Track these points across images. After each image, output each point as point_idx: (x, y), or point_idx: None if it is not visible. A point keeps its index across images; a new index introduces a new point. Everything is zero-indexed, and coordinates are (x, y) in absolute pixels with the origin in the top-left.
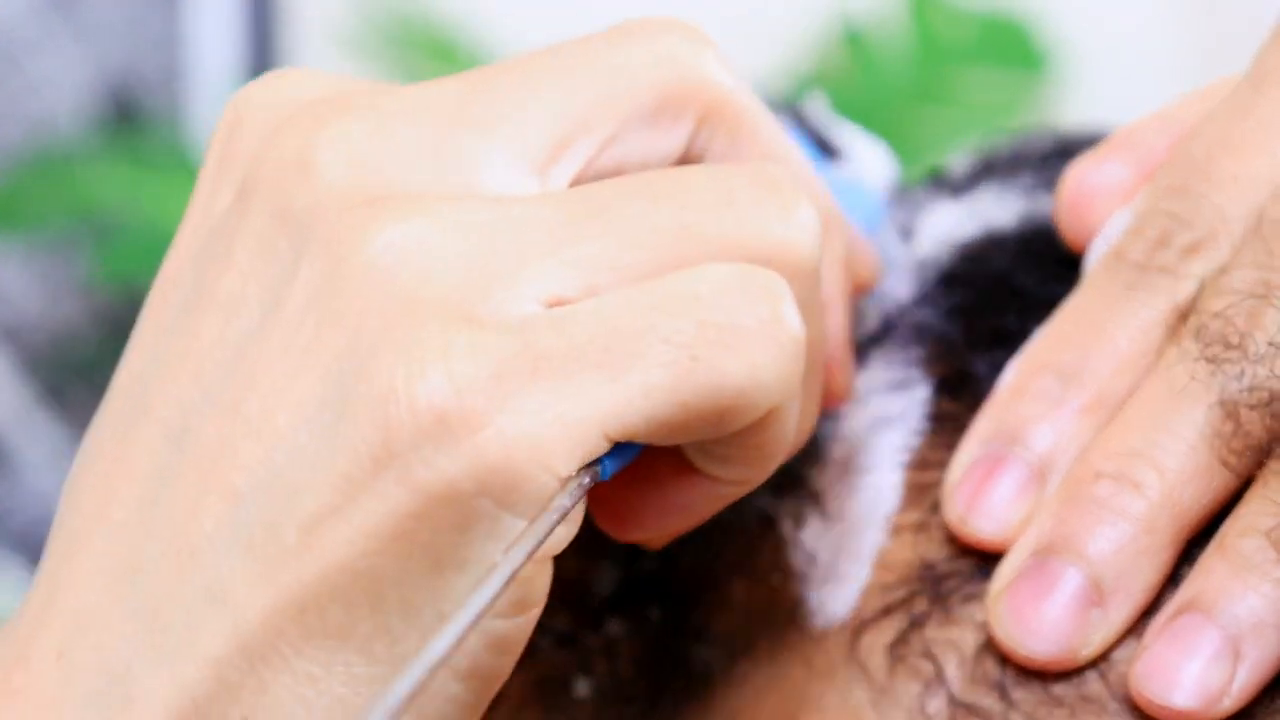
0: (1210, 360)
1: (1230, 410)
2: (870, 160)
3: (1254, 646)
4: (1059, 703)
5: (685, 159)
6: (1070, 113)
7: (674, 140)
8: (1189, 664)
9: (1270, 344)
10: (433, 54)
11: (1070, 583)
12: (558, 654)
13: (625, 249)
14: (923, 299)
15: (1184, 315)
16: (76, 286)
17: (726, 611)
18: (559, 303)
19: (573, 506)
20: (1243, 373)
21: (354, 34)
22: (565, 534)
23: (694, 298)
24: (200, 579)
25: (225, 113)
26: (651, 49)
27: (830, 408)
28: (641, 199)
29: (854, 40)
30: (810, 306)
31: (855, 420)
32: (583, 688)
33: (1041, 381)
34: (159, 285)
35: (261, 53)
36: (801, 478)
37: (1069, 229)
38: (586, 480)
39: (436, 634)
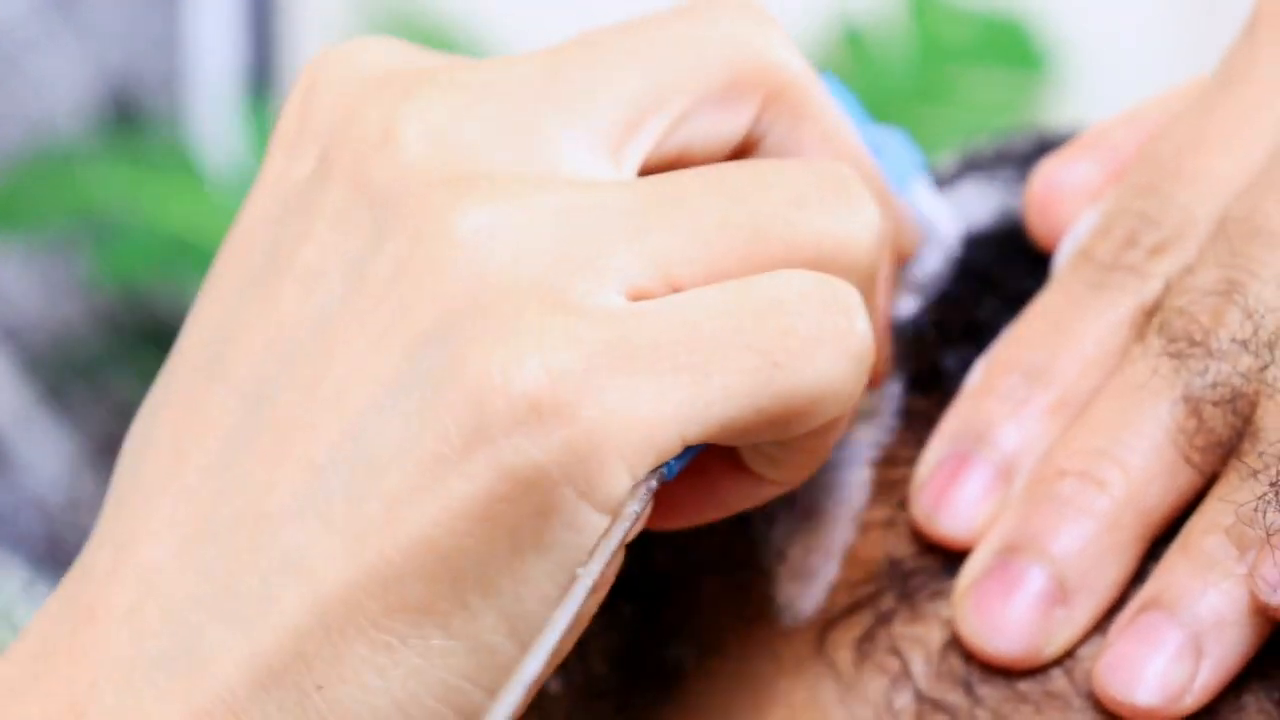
0: (1174, 356)
1: (1194, 407)
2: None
3: (1216, 644)
4: (1024, 699)
5: (747, 140)
6: (1070, 113)
7: (739, 121)
8: (1151, 662)
9: (1233, 340)
10: None
11: (1034, 581)
12: None
13: (700, 243)
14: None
15: (1150, 315)
16: (76, 286)
17: (698, 608)
18: (639, 295)
19: (644, 510)
20: (1206, 369)
21: (354, 34)
22: (636, 530)
23: (778, 304)
24: (276, 547)
25: (301, 78)
26: (722, 29)
27: (869, 390)
28: (716, 193)
29: (854, 40)
30: (868, 303)
31: None
32: (554, 683)
33: (1008, 381)
34: (230, 248)
35: (261, 53)
36: None
37: (1038, 228)
38: (654, 483)
39: (527, 654)
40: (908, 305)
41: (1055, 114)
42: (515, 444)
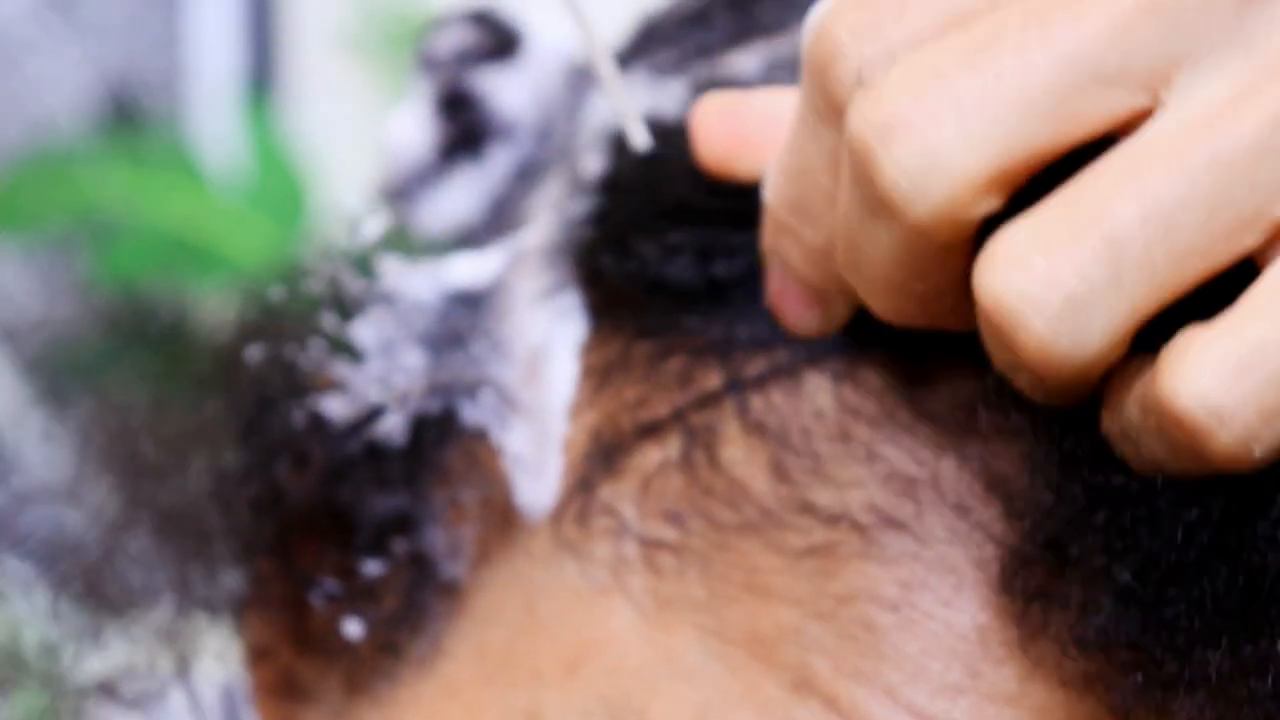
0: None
1: None
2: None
3: None
4: (725, 528)
5: None
6: None
7: None
8: None
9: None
10: None
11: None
12: (324, 606)
13: None
14: (578, 199)
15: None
16: (76, 286)
17: (463, 526)
18: None
19: None
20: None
21: (354, 34)
22: None
23: None
24: None
25: None
26: None
27: None
28: None
29: None
30: None
31: (534, 321)
32: (354, 628)
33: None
34: None
35: (261, 53)
36: (500, 384)
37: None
38: None
39: None
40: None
41: None
42: None
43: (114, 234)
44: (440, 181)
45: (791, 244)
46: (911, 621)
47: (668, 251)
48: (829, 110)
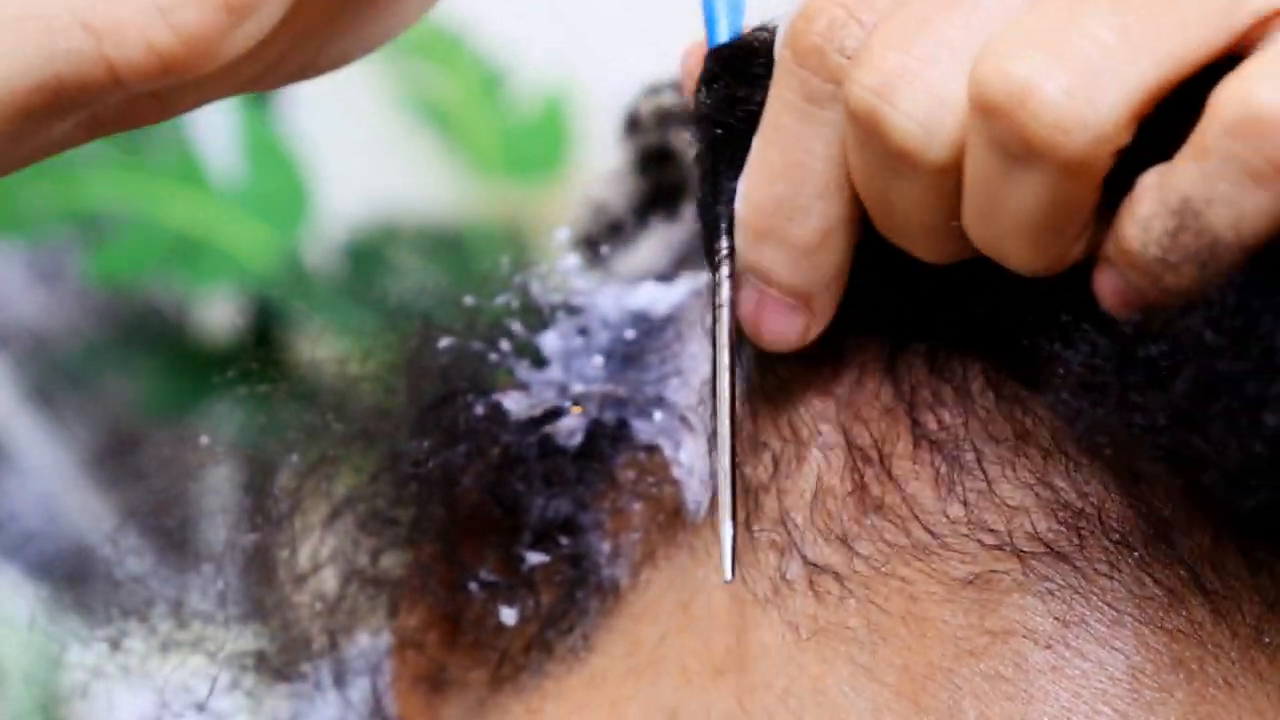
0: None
1: None
2: None
3: None
4: (891, 550)
5: None
6: None
7: None
8: None
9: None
10: (434, 54)
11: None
12: (481, 594)
13: None
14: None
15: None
16: (76, 286)
17: (629, 531)
18: None
19: None
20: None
21: None
22: None
23: None
24: None
25: None
26: None
27: None
28: None
29: None
30: None
31: (704, 350)
32: (509, 616)
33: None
34: None
35: None
36: (676, 405)
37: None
38: None
39: None
40: None
41: None
42: None
43: (114, 234)
44: (634, 237)
45: (774, 248)
46: (1064, 661)
47: None
48: (825, 92)
